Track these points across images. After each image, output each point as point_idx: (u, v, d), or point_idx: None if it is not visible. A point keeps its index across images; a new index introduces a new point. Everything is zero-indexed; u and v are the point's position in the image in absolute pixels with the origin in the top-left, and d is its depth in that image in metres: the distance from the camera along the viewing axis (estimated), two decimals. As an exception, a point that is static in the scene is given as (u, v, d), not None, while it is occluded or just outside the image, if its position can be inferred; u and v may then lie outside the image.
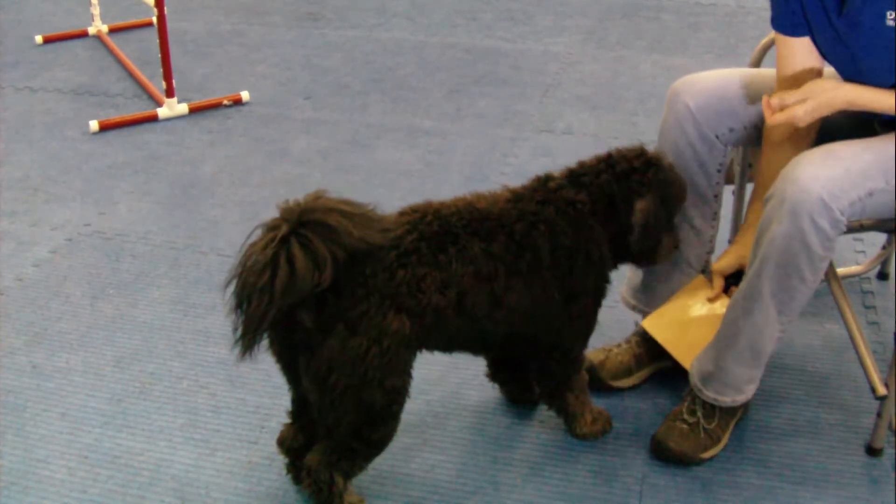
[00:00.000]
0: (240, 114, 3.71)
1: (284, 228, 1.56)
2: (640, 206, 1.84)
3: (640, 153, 1.87)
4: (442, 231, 1.73)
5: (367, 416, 1.70)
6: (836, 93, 1.83)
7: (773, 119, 1.84)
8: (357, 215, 1.63)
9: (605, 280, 1.92)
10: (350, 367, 1.64)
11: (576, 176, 1.86)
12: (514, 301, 1.78)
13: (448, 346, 1.88)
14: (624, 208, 1.84)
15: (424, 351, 1.82)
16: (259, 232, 1.60)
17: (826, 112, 1.83)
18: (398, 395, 1.73)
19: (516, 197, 1.83)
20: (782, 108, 1.83)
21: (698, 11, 4.72)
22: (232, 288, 1.58)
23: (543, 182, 1.87)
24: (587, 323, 1.94)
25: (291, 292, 1.56)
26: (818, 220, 1.73)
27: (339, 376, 1.64)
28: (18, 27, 4.63)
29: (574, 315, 1.88)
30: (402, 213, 1.77)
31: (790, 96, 1.83)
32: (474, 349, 1.97)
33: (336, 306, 1.63)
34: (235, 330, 1.59)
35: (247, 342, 1.59)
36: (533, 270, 1.78)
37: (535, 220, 1.79)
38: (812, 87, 1.84)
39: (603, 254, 1.86)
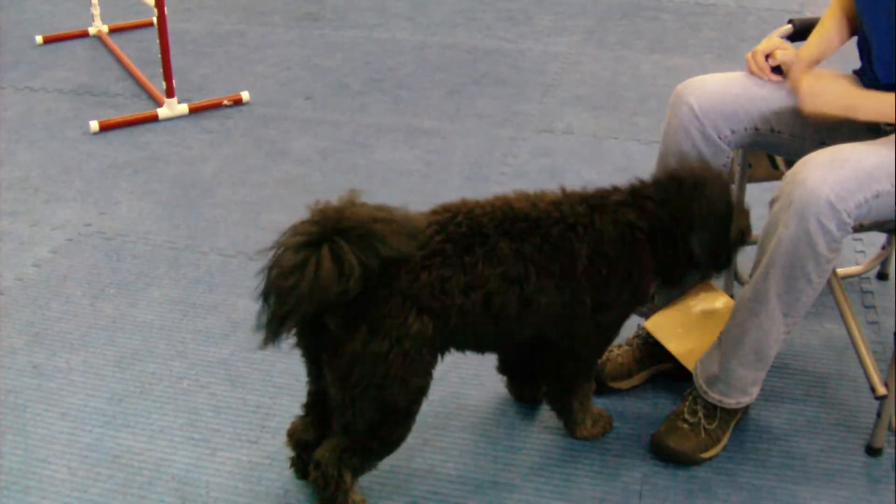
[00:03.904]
0: (240, 114, 3.71)
1: (317, 232, 1.56)
2: (695, 242, 1.82)
3: (695, 189, 1.83)
4: (470, 232, 1.70)
5: (386, 416, 1.70)
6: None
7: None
8: (394, 222, 1.62)
9: (640, 299, 1.89)
10: (372, 368, 1.64)
11: (640, 198, 1.82)
12: (544, 302, 1.75)
13: (478, 347, 1.87)
14: (682, 246, 1.83)
15: (454, 351, 1.81)
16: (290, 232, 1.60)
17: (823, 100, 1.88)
18: (419, 394, 1.73)
19: (564, 199, 1.80)
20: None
21: (698, 11, 4.72)
22: (261, 280, 1.59)
23: (606, 192, 1.84)
24: (611, 334, 1.93)
25: (314, 299, 1.55)
26: (825, 223, 1.73)
27: (361, 376, 1.64)
28: (18, 27, 4.63)
29: (602, 324, 1.86)
30: (433, 212, 1.75)
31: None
32: (504, 349, 1.96)
33: (360, 307, 1.63)
34: (261, 316, 1.59)
35: (270, 334, 1.59)
36: (566, 273, 1.76)
37: (576, 222, 1.76)
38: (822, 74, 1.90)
39: (644, 276, 1.85)
